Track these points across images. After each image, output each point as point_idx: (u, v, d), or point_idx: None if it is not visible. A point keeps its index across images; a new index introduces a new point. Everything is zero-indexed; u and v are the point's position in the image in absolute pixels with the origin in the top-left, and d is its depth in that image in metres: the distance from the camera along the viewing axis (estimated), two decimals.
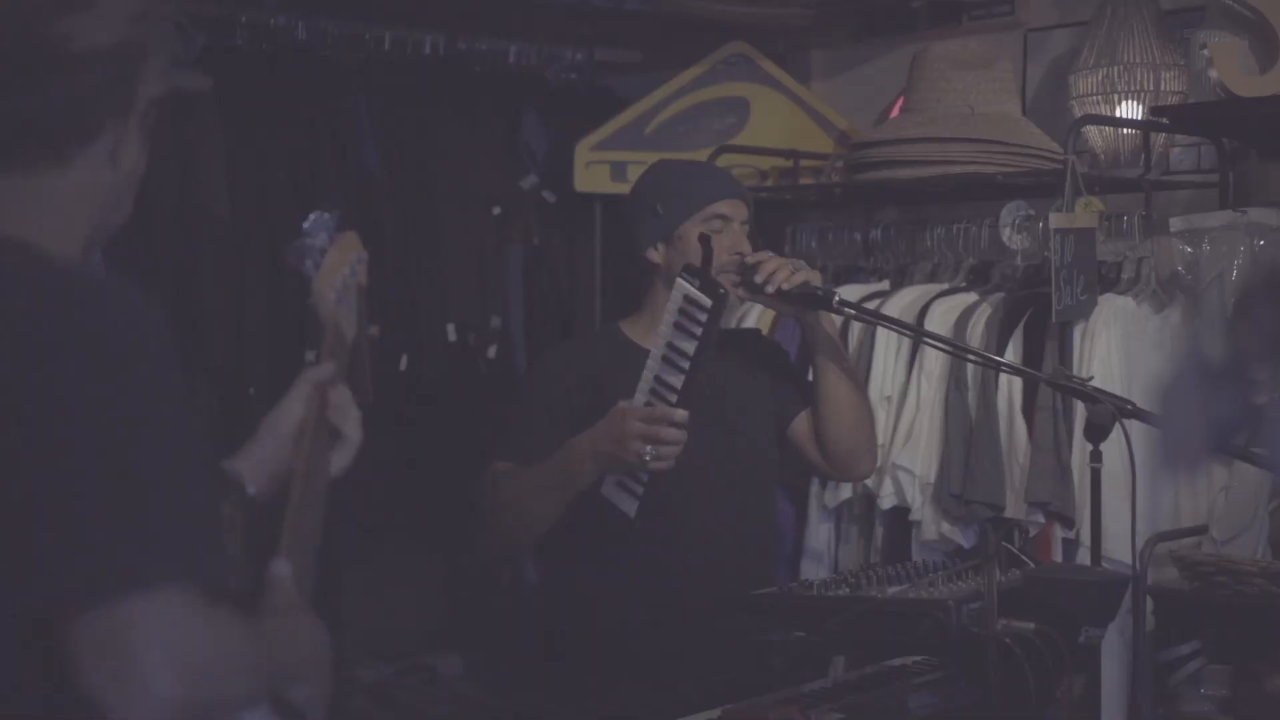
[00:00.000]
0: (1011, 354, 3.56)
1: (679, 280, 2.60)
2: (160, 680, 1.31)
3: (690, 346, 2.54)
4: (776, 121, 4.44)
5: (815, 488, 3.82)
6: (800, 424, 3.00)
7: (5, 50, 1.45)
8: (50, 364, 1.36)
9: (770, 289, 2.85)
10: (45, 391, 1.35)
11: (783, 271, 2.85)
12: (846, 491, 3.76)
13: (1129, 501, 2.55)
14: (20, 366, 1.36)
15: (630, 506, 2.63)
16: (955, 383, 3.60)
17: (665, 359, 2.56)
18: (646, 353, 2.71)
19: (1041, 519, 3.47)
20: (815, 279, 2.91)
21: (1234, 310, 1.54)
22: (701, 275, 2.60)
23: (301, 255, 1.90)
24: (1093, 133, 3.80)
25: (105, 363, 1.37)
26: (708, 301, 2.54)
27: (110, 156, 1.53)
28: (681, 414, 2.54)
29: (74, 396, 1.35)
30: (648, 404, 2.57)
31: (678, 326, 2.55)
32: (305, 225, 1.92)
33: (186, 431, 1.42)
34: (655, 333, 2.62)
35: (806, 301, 2.88)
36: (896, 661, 2.52)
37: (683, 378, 2.55)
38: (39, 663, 1.37)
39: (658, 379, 2.57)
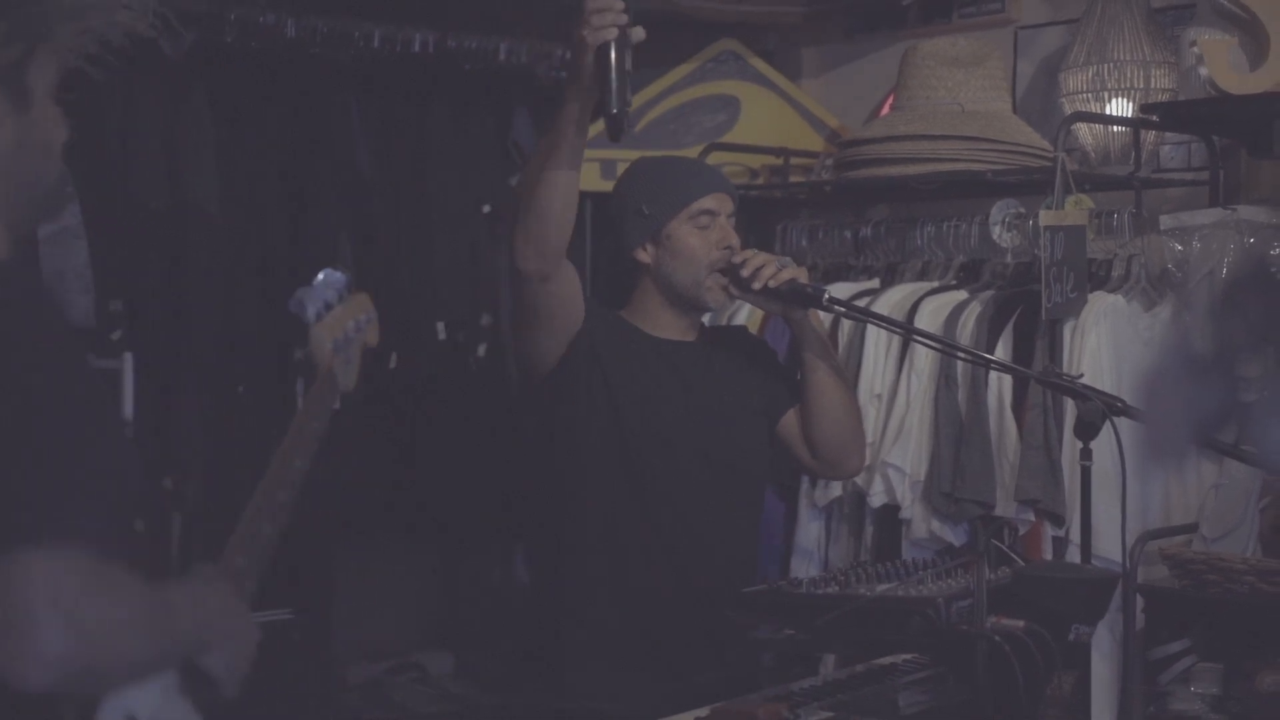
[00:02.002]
0: (1001, 351, 3.55)
1: None
2: (46, 637, 1.29)
3: None
4: (767, 119, 4.44)
5: (805, 486, 3.82)
6: (789, 421, 2.99)
7: None
8: None
9: (757, 285, 2.84)
10: None
11: (769, 268, 2.85)
12: (836, 489, 3.76)
13: (1119, 499, 2.55)
14: None
15: None
16: (945, 380, 3.60)
17: None
18: (652, 339, 2.86)
19: (1031, 516, 3.47)
20: (802, 276, 2.89)
21: (1221, 306, 1.53)
22: None
23: (304, 303, 1.91)
24: (1083, 130, 3.80)
25: None
26: None
27: None
28: None
29: None
30: None
31: None
32: (316, 280, 1.93)
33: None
34: None
35: (796, 299, 2.87)
36: (886, 659, 2.51)
37: None
38: None
39: None
